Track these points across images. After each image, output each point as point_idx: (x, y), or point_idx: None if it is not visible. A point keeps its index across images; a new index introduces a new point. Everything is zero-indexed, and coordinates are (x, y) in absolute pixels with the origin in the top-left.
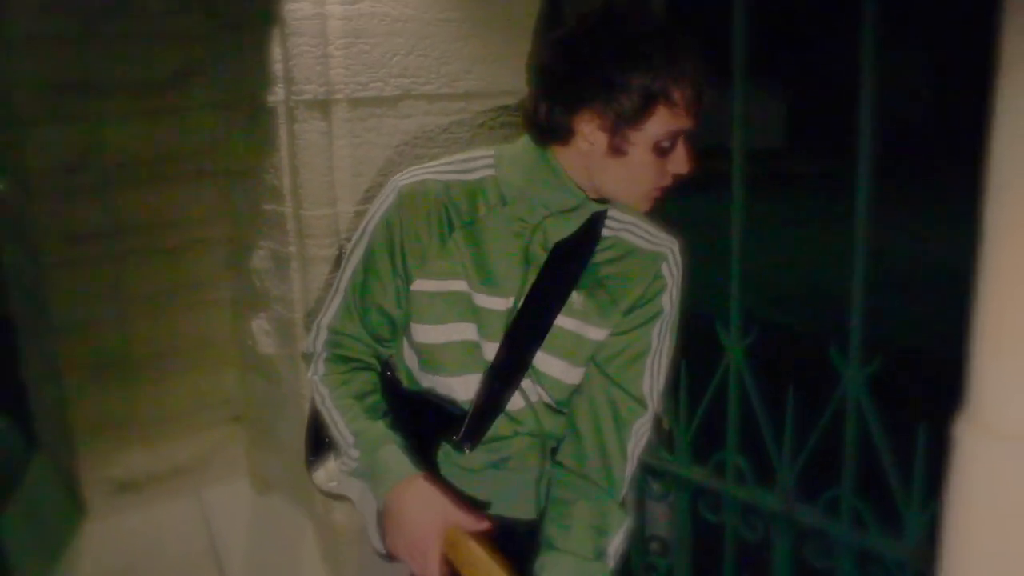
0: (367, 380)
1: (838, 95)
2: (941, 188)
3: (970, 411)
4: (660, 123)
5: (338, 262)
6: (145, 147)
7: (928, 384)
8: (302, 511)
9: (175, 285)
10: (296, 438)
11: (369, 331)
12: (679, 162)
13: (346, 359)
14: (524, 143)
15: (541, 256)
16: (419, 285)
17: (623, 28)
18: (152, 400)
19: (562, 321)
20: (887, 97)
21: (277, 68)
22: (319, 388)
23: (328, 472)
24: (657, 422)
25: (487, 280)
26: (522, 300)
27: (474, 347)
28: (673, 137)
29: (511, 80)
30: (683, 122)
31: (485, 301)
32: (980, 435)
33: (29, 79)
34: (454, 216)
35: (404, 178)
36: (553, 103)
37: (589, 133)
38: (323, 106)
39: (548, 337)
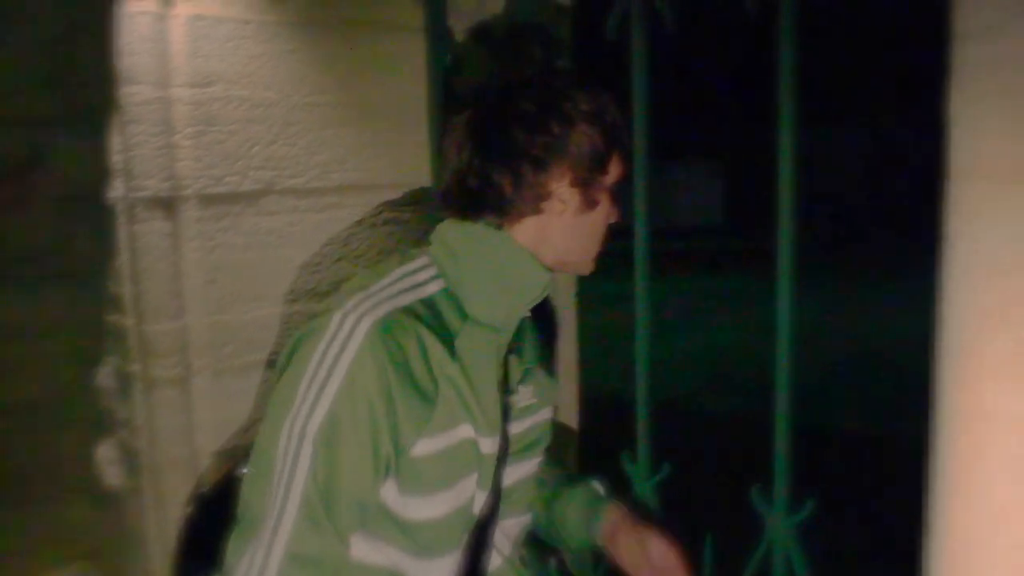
0: None
1: (772, 173)
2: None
3: None
4: (616, 166)
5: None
6: None
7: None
8: None
9: (14, 405)
10: None
11: (343, 539)
12: (616, 211)
13: None
14: (466, 233)
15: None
16: (422, 448)
17: (567, 78)
18: None
19: (518, 426)
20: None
21: (116, 160)
22: None
23: None
24: None
25: (483, 417)
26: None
27: (467, 508)
28: (621, 181)
29: (393, 172)
30: (628, 164)
31: (486, 445)
32: None
33: None
34: (433, 348)
35: (363, 314)
36: (517, 169)
37: (563, 191)
38: (167, 204)
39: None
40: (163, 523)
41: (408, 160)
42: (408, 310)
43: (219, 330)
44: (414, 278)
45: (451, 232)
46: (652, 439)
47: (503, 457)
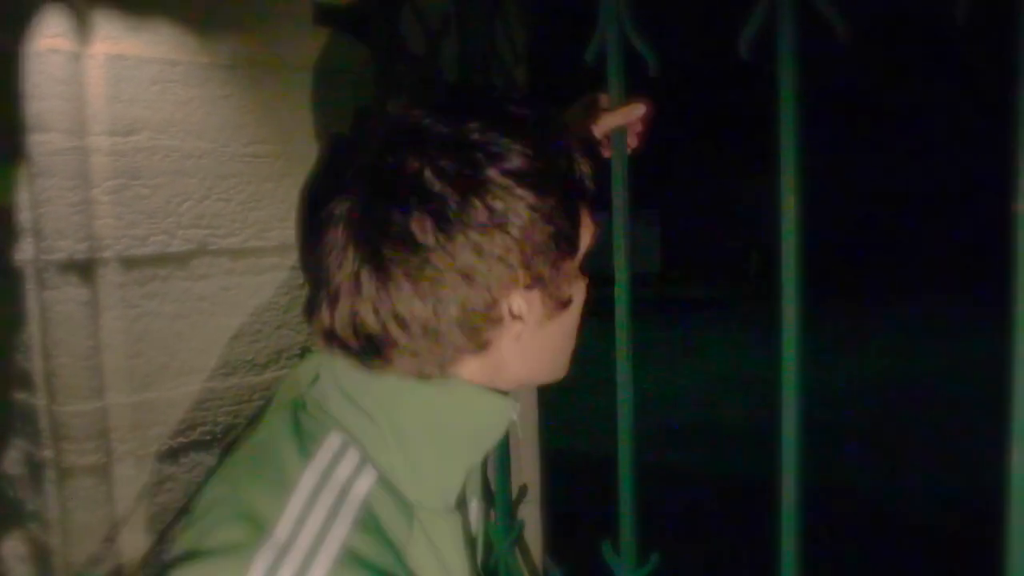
0: None
1: (707, 223)
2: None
3: None
4: (587, 227)
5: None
6: None
7: None
8: None
9: None
10: None
11: None
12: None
13: None
14: (388, 389)
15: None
16: None
17: (488, 114)
18: None
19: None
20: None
21: (24, 218)
22: None
23: None
24: None
25: None
26: None
27: None
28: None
29: None
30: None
31: None
32: None
33: None
34: None
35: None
36: (437, 293)
37: (516, 303)
38: (84, 268)
39: None
40: None
41: None
42: (348, 563)
43: (145, 410)
44: (335, 479)
45: (358, 386)
46: (639, 525)
47: None
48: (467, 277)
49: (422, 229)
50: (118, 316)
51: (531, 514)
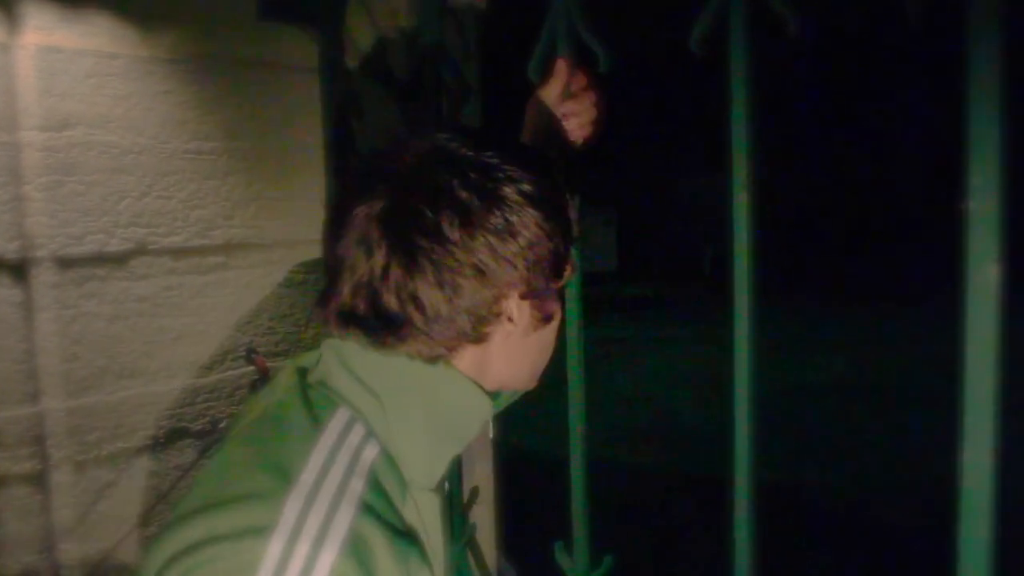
0: None
1: (663, 221)
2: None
3: None
4: (569, 265)
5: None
6: None
7: None
8: None
9: None
10: None
11: None
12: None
13: None
14: (392, 369)
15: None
16: None
17: (500, 148)
18: None
19: None
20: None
21: None
22: None
23: None
24: None
25: None
26: None
27: None
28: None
29: (285, 228)
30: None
31: None
32: None
33: None
34: (409, 556)
35: (315, 546)
36: (455, 283)
37: (512, 308)
38: (16, 268)
39: None
40: None
41: (302, 216)
42: (366, 514)
43: (82, 414)
44: (348, 443)
45: (367, 366)
46: (591, 528)
47: None
48: (480, 272)
49: (450, 225)
50: (53, 318)
51: (484, 514)
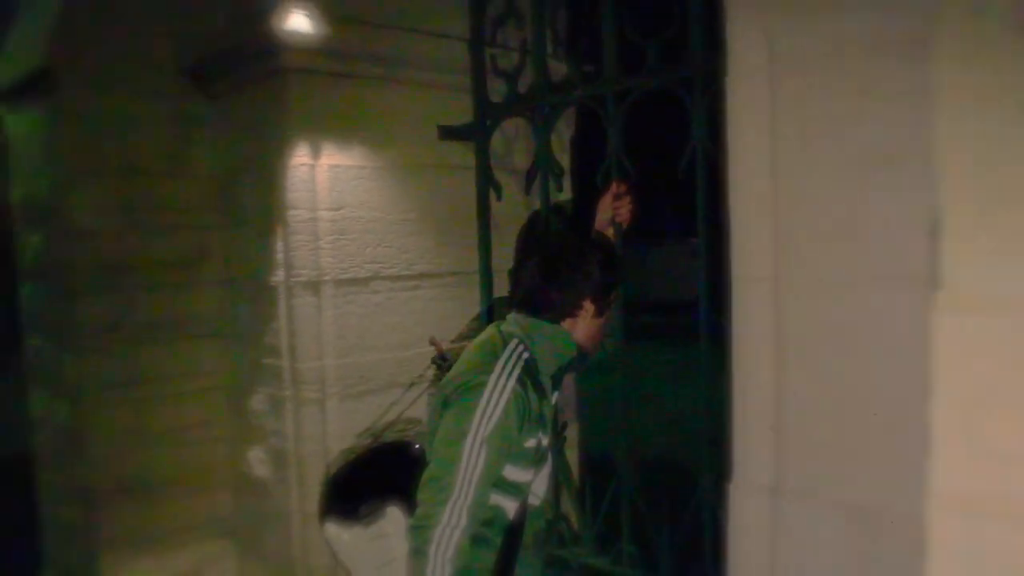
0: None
1: None
2: None
3: (735, 475)
4: (611, 300)
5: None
6: (166, 313)
7: None
8: None
9: (184, 423)
10: (281, 551)
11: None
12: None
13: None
14: (537, 326)
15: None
16: (528, 443)
17: (585, 241)
18: (160, 518)
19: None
20: None
21: (279, 257)
22: (445, 568)
23: (340, 534)
24: (566, 521)
25: (548, 427)
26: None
27: (541, 463)
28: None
29: (453, 264)
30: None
31: (546, 441)
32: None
33: (81, 260)
34: (532, 395)
35: (508, 376)
36: (566, 294)
37: (588, 306)
38: (314, 286)
39: None
40: (303, 499)
41: (463, 256)
42: (524, 373)
43: (345, 369)
44: (519, 351)
45: (527, 324)
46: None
47: (551, 444)
48: (578, 285)
49: (567, 269)
50: (331, 314)
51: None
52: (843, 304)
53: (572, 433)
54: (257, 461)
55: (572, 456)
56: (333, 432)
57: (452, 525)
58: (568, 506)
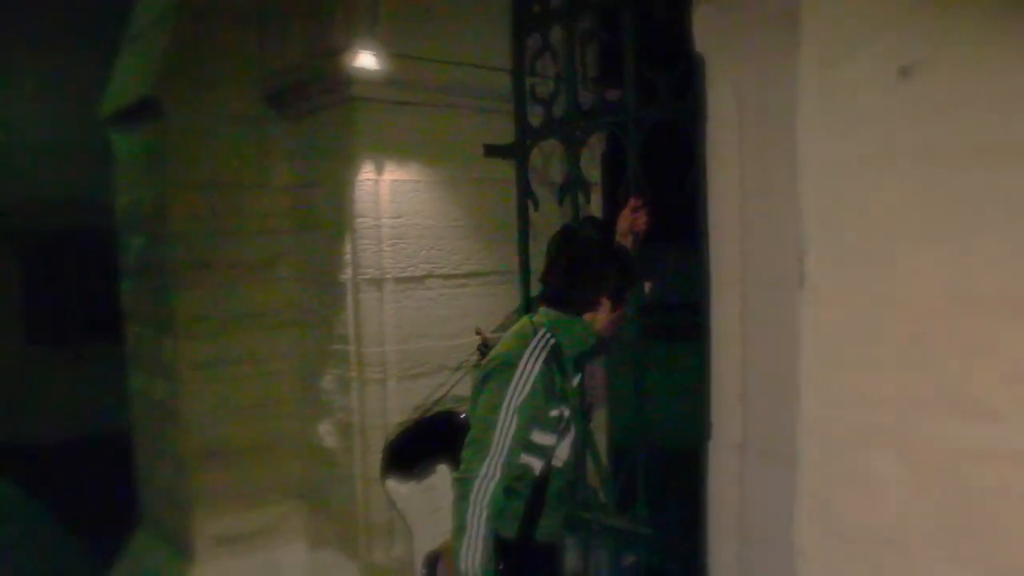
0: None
1: None
2: None
3: (713, 435)
4: (625, 301)
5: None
6: (247, 304)
7: None
8: (348, 560)
9: (263, 399)
10: (345, 509)
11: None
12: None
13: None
14: (561, 317)
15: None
16: (553, 413)
17: (607, 250)
18: (242, 480)
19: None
20: None
21: (347, 258)
22: (483, 512)
23: (398, 488)
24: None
25: (571, 401)
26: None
27: (565, 430)
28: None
29: (496, 264)
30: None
31: (568, 413)
32: (718, 449)
33: (175, 259)
34: (557, 373)
35: (538, 356)
36: (587, 292)
37: (605, 303)
38: (378, 283)
39: None
40: (365, 464)
41: (505, 258)
42: (550, 355)
43: (403, 354)
44: (546, 338)
45: (553, 316)
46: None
47: (574, 415)
48: (597, 286)
49: (588, 271)
50: (392, 307)
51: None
52: (770, 299)
53: (600, 417)
54: (326, 432)
55: (600, 437)
56: (392, 408)
57: (489, 477)
58: (593, 479)
